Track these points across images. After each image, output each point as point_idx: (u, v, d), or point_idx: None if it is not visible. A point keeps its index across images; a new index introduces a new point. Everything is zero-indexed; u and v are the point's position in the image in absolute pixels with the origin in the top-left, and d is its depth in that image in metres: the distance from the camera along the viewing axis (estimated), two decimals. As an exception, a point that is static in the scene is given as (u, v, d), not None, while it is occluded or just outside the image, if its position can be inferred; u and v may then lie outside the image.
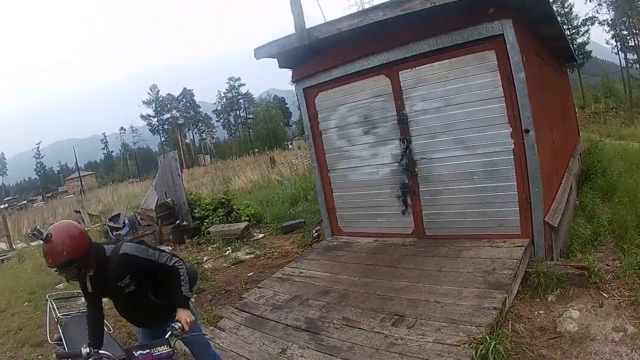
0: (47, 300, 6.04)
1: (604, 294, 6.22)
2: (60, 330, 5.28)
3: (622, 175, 11.64)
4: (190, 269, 4.78)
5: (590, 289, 6.39)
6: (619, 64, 70.71)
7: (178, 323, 3.84)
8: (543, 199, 7.31)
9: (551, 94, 11.22)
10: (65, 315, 5.57)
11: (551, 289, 6.48)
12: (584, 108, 47.59)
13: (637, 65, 68.38)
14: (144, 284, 4.12)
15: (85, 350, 3.54)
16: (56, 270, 3.74)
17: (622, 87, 64.99)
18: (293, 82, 10.26)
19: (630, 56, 68.79)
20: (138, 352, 3.52)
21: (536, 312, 6.14)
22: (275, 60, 9.98)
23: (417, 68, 8.19)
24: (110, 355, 3.63)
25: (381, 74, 8.66)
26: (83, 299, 5.79)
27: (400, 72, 8.39)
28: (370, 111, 8.98)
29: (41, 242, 3.70)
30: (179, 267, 4.11)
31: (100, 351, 3.59)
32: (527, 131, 7.17)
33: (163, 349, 3.63)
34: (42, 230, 3.72)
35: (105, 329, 5.30)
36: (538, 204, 7.29)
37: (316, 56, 9.25)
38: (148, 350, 3.55)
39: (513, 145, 7.38)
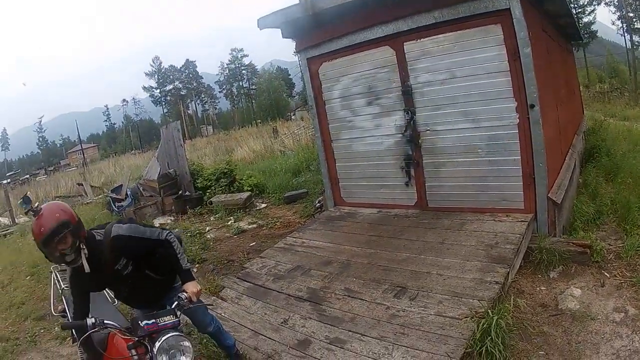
0: (51, 272, 6.02)
1: (606, 274, 6.22)
2: (64, 302, 5.26)
3: (625, 156, 11.55)
4: (176, 235, 4.70)
5: (592, 268, 6.39)
6: (624, 45, 70.39)
7: (185, 293, 3.87)
8: (547, 174, 7.28)
9: (557, 70, 11.12)
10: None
11: (553, 266, 6.49)
12: (588, 87, 47.24)
13: (643, 48, 68.08)
14: (141, 263, 4.07)
15: (90, 320, 3.51)
16: (50, 243, 3.48)
17: (626, 69, 64.63)
18: (297, 52, 10.18)
19: (635, 38, 68.47)
20: (144, 322, 3.49)
21: (538, 288, 6.16)
22: (279, 31, 9.89)
23: (422, 40, 8.09)
24: (116, 325, 3.62)
25: (386, 45, 8.56)
26: None
27: (405, 44, 8.29)
28: (374, 82, 8.90)
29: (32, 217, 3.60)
30: (171, 240, 4.08)
31: (105, 321, 3.56)
32: (532, 106, 7.11)
33: (169, 319, 3.61)
34: (29, 197, 3.71)
35: (110, 300, 5.31)
36: (542, 179, 7.26)
37: (320, 26, 9.13)
38: (154, 320, 3.53)
39: (518, 120, 7.32)
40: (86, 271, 3.62)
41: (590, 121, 17.92)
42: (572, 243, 6.74)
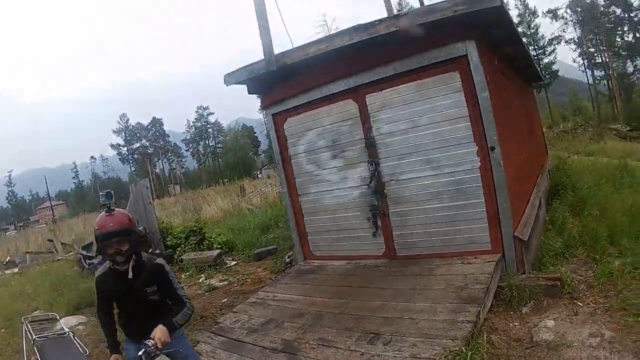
0: (22, 323, 6.01)
1: (579, 303, 6.37)
2: (37, 353, 5.26)
3: (591, 189, 11.87)
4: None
5: (564, 299, 6.53)
6: (587, 81, 72.19)
7: (151, 340, 3.79)
8: (512, 213, 7.46)
9: (517, 112, 11.45)
10: (42, 337, 5.53)
11: (525, 302, 6.61)
12: (552, 127, 48.22)
13: (605, 82, 69.81)
14: (164, 300, 4.24)
15: None
16: (110, 239, 3.90)
17: (590, 105, 66.23)
18: (262, 108, 10.41)
19: (597, 73, 70.35)
20: None
21: (511, 324, 6.25)
22: (244, 88, 10.08)
23: (383, 91, 8.37)
24: None
25: (348, 98, 8.81)
26: (58, 322, 5.83)
27: (367, 96, 8.56)
28: (339, 135, 9.11)
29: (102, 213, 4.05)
30: (189, 307, 4.21)
31: None
32: (492, 148, 7.34)
33: None
34: (112, 193, 3.97)
35: (81, 349, 5.31)
36: (507, 218, 7.43)
37: (285, 82, 9.38)
38: None
39: (480, 163, 7.55)
40: (129, 277, 3.96)
41: (555, 160, 18.30)
42: (542, 277, 6.93)
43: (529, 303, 6.60)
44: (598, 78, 71.16)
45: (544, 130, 22.46)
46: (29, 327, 5.73)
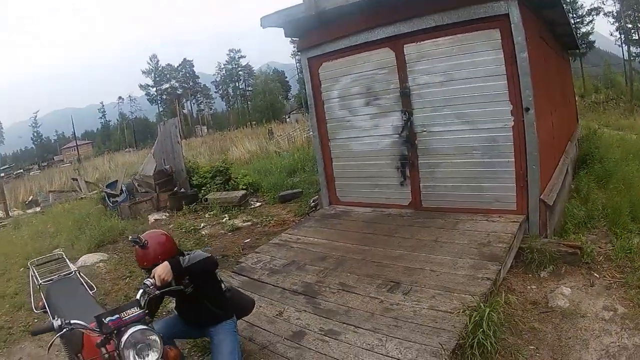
0: (28, 267, 6.04)
1: (596, 274, 6.34)
2: (43, 297, 5.28)
3: (618, 163, 11.68)
4: (244, 300, 5.23)
5: (582, 269, 6.51)
6: (622, 56, 70.48)
7: (150, 279, 3.79)
8: (540, 177, 7.38)
9: (552, 77, 11.24)
10: (47, 280, 5.52)
11: (544, 266, 6.61)
12: (584, 97, 47.37)
13: (640, 59, 68.28)
14: (201, 288, 4.30)
15: (57, 322, 3.43)
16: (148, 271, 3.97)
17: (623, 80, 64.74)
18: (298, 51, 10.28)
19: (633, 49, 68.63)
20: (107, 319, 3.37)
21: (528, 287, 6.26)
22: (277, 34, 9.96)
23: (421, 43, 8.19)
24: (83, 324, 3.51)
25: (386, 46, 8.65)
26: (63, 262, 5.87)
27: (405, 46, 8.39)
28: (373, 83, 8.99)
29: (136, 247, 4.07)
30: (208, 257, 4.32)
31: (72, 321, 3.45)
32: (527, 109, 7.22)
33: (133, 312, 3.47)
34: (140, 238, 3.95)
35: (88, 288, 5.33)
36: (534, 181, 7.36)
37: (322, 27, 9.22)
38: (117, 316, 3.40)
39: (513, 123, 7.43)
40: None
41: (584, 130, 18.06)
42: (563, 244, 6.86)
43: (548, 268, 6.60)
44: (634, 55, 69.43)
45: (576, 98, 22.05)
46: (35, 271, 5.74)
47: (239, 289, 5.59)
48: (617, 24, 69.02)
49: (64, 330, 3.42)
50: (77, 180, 24.60)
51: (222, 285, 4.71)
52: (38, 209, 21.22)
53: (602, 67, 68.53)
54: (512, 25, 7.12)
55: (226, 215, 12.68)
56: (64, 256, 6.24)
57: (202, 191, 14.96)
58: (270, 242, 8.59)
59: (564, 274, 6.45)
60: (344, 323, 5.32)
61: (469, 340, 4.55)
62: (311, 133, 10.80)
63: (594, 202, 8.86)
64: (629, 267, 6.37)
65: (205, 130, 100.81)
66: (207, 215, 13.05)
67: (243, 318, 5.19)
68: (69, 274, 5.64)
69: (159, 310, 6.03)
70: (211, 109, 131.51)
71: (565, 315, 5.45)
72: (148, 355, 3.36)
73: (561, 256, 6.66)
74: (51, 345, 3.66)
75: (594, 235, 7.71)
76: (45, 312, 5.00)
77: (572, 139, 13.57)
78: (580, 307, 5.61)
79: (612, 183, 10.01)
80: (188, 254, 4.21)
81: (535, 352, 4.87)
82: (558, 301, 5.76)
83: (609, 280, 6.14)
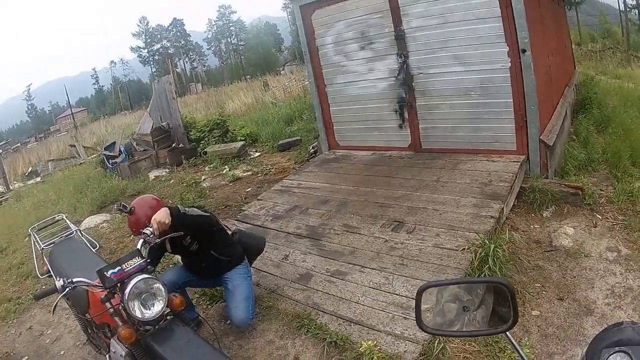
0: (29, 234, 6.02)
1: (598, 216, 6.39)
2: (46, 262, 5.26)
3: (616, 109, 11.68)
4: (254, 238, 5.24)
5: (584, 210, 6.56)
6: (617, 6, 69.94)
7: (149, 228, 3.76)
8: (539, 118, 7.39)
9: (548, 22, 11.13)
10: (49, 244, 5.49)
11: (546, 206, 6.67)
12: (580, 45, 47.04)
13: (636, 11, 67.70)
14: (205, 243, 4.40)
15: (59, 283, 3.41)
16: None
17: (619, 30, 64.35)
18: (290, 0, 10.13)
19: (629, 0, 68.07)
20: (109, 272, 3.31)
21: (532, 226, 6.32)
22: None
23: (414, -15, 8.08)
24: (86, 280, 3.51)
25: (378, -9, 8.53)
26: (64, 224, 5.85)
27: (397, -11, 8.28)
28: (367, 27, 8.89)
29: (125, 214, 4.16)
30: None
31: (74, 279, 3.44)
32: (523, 51, 7.18)
33: (135, 262, 3.42)
34: (126, 205, 3.93)
35: (91, 246, 5.31)
36: (534, 122, 7.38)
37: (313, -27, 9.07)
38: (119, 267, 3.35)
39: (510, 64, 7.39)
40: (168, 251, 4.29)
41: (581, 76, 17.94)
42: (565, 184, 6.92)
43: (550, 208, 6.66)
44: (630, 6, 68.96)
45: (572, 46, 21.88)
46: (36, 236, 5.70)
47: (244, 230, 5.60)
48: (612, -26, 68.36)
49: (67, 289, 3.40)
50: (75, 146, 24.55)
51: (228, 231, 4.73)
52: (38, 179, 21.17)
53: (597, 17, 68.12)
54: (506, -33, 7.03)
55: (226, 166, 12.64)
56: (64, 217, 6.20)
57: (201, 145, 14.89)
58: (272, 188, 8.64)
59: (566, 214, 6.50)
60: (350, 263, 5.39)
61: (475, 276, 4.57)
62: (307, 82, 10.70)
63: (594, 145, 8.89)
64: (630, 210, 6.41)
65: (200, 87, 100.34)
66: (207, 168, 13.02)
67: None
68: (71, 234, 5.60)
69: (164, 263, 6.07)
70: (204, 66, 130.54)
71: (569, 255, 5.51)
72: (153, 304, 3.33)
73: (563, 196, 6.71)
74: (55, 306, 3.64)
75: (594, 178, 7.74)
76: (50, 276, 4.96)
77: (570, 83, 13.49)
78: (584, 247, 5.67)
79: (611, 128, 10.01)
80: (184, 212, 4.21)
81: (542, 290, 4.94)
82: (562, 240, 5.81)
83: (612, 222, 6.19)
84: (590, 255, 5.46)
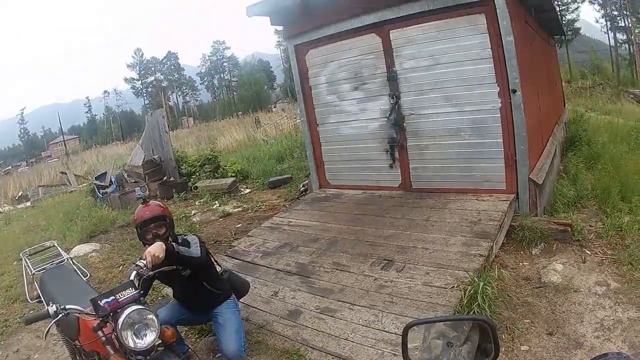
0: (20, 258, 6.04)
1: (587, 251, 6.43)
2: (37, 287, 5.27)
3: (606, 145, 11.83)
4: (240, 281, 5.28)
5: (574, 246, 6.61)
6: (608, 43, 70.92)
7: (142, 260, 3.76)
8: (528, 157, 7.49)
9: (538, 61, 11.33)
10: (40, 270, 5.50)
11: (535, 243, 6.72)
12: (570, 82, 47.54)
13: (626, 45, 68.59)
14: (198, 273, 4.42)
15: (52, 308, 3.44)
16: (149, 224, 4.26)
17: (609, 66, 65.13)
18: (285, 39, 10.32)
19: (619, 36, 69.01)
20: (103, 301, 3.35)
21: (521, 264, 6.37)
22: (261, 23, 10.01)
23: (407, 28, 8.26)
24: (78, 308, 3.54)
25: (372, 32, 8.71)
26: (55, 251, 5.90)
27: (391, 31, 8.45)
28: (360, 68, 9.05)
29: (140, 204, 4.43)
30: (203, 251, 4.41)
31: (67, 306, 3.49)
32: (514, 91, 7.31)
33: (129, 292, 3.46)
34: (143, 191, 4.15)
35: (81, 274, 5.34)
36: (523, 161, 7.47)
37: (308, 14, 9.23)
38: (113, 297, 3.38)
39: (500, 104, 7.52)
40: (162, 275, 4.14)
41: (571, 114, 18.17)
42: (553, 222, 6.97)
43: (539, 245, 6.72)
44: (620, 41, 69.86)
45: (562, 84, 22.19)
46: (27, 261, 5.72)
47: (233, 271, 5.65)
48: (602, 11, 69.34)
49: (60, 315, 3.43)
50: (66, 173, 24.56)
51: (218, 269, 4.79)
52: (28, 203, 21.12)
53: (588, 53, 68.92)
54: (497, 9, 7.19)
55: (216, 202, 12.69)
56: (56, 245, 6.23)
57: (192, 179, 14.97)
58: (262, 225, 8.65)
59: (555, 251, 6.55)
60: (340, 301, 5.41)
61: (465, 314, 4.62)
62: (299, 120, 10.82)
63: (583, 182, 8.97)
64: (620, 244, 6.46)
65: (192, 122, 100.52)
66: (197, 203, 13.05)
67: (240, 300, 5.24)
68: (62, 261, 5.63)
69: (154, 295, 6.08)
70: (197, 100, 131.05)
71: (558, 290, 5.55)
72: (146, 335, 3.36)
73: (552, 234, 6.76)
74: (48, 331, 3.67)
75: (584, 214, 7.80)
76: (40, 301, 4.98)
77: (560, 122, 13.70)
78: (573, 282, 5.70)
79: (600, 164, 10.09)
80: (184, 237, 4.28)
81: (531, 325, 4.96)
82: (551, 277, 5.85)
83: (601, 257, 6.23)
84: (579, 290, 5.50)
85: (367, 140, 9.28)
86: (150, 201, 4.40)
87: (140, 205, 4.35)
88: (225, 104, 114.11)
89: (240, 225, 10.16)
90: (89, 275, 5.64)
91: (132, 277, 3.68)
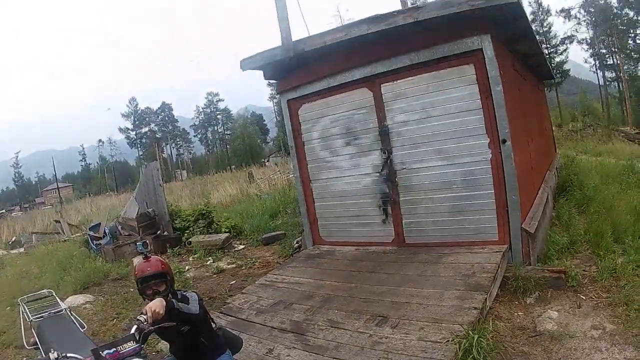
0: (18, 304, 6.06)
1: (582, 296, 6.48)
2: (34, 334, 5.30)
3: (598, 188, 11.98)
4: (233, 337, 5.17)
5: (568, 292, 6.65)
6: (597, 82, 71.89)
7: (143, 315, 3.71)
8: (520, 206, 7.58)
9: (528, 108, 11.53)
10: (38, 317, 5.51)
11: (529, 292, 6.74)
12: (561, 126, 48.16)
13: (616, 84, 69.49)
14: (198, 329, 4.39)
15: (53, 355, 3.51)
16: (149, 281, 4.20)
17: (599, 106, 65.96)
18: (277, 93, 10.51)
19: (608, 74, 69.96)
20: (105, 352, 3.43)
21: (515, 314, 6.37)
22: (255, 77, 10.20)
23: (398, 81, 8.46)
24: (78, 357, 3.60)
25: (364, 87, 8.90)
26: (53, 300, 5.91)
27: (382, 85, 8.65)
28: (353, 123, 9.21)
29: (139, 259, 4.39)
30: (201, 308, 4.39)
31: (68, 354, 3.57)
32: (504, 141, 7.45)
33: (130, 345, 3.56)
34: (147, 243, 4.15)
35: (78, 325, 5.36)
36: (515, 211, 7.55)
37: (301, 68, 9.47)
38: (115, 349, 3.48)
39: (491, 155, 7.66)
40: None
41: (562, 158, 18.37)
42: (547, 270, 7.04)
43: (534, 294, 6.73)
44: (609, 79, 70.84)
45: (553, 128, 22.48)
46: (25, 308, 5.75)
47: (226, 328, 5.66)
48: (591, 50, 70.38)
49: None
50: (59, 222, 24.53)
51: (213, 325, 4.81)
52: (22, 249, 21.11)
53: (578, 94, 69.69)
54: (486, 59, 7.42)
55: (210, 258, 12.67)
56: (54, 294, 6.26)
57: (186, 234, 14.99)
58: (256, 282, 8.65)
59: (550, 298, 6.59)
60: (335, 358, 5.39)
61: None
62: (292, 175, 10.91)
63: (576, 227, 9.11)
64: (614, 286, 6.54)
65: (185, 174, 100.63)
66: (191, 259, 13.04)
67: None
68: (60, 311, 5.66)
69: (149, 349, 6.08)
70: (190, 152, 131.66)
71: (554, 337, 5.56)
72: None
73: (546, 282, 6.82)
74: None
75: (577, 259, 7.88)
76: (37, 348, 5.00)
77: (551, 168, 13.85)
78: (569, 328, 5.73)
79: (592, 207, 10.24)
80: (183, 293, 4.32)
81: (527, 375, 4.98)
82: (546, 325, 5.88)
83: (596, 301, 6.30)
84: (575, 336, 5.51)
85: (360, 196, 9.36)
86: (152, 256, 4.33)
87: (142, 259, 4.30)
88: (219, 157, 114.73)
89: (234, 281, 10.17)
90: (86, 327, 5.65)
91: (132, 331, 3.71)
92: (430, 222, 8.52)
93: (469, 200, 8.00)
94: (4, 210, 68.32)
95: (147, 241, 4.26)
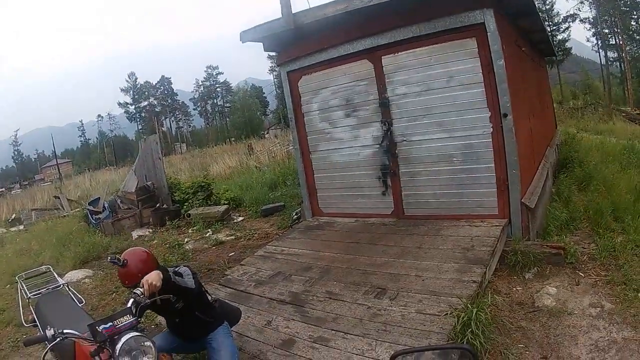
0: (16, 282, 6.04)
1: (581, 273, 6.47)
2: (32, 311, 5.28)
3: (598, 166, 11.90)
4: (232, 309, 5.29)
5: (567, 269, 6.64)
6: (599, 61, 71.30)
7: (140, 289, 3.76)
8: (520, 181, 7.52)
9: (530, 84, 11.43)
10: (36, 294, 5.51)
11: (528, 267, 6.72)
12: (562, 103, 47.90)
13: (618, 64, 68.99)
14: (192, 304, 4.41)
15: (49, 332, 3.51)
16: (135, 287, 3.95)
17: (601, 85, 65.50)
18: (277, 65, 10.39)
19: (610, 54, 69.35)
20: (101, 327, 3.40)
21: (514, 289, 6.36)
22: (254, 49, 10.05)
23: (399, 54, 8.34)
24: (75, 333, 3.59)
25: (364, 58, 8.79)
26: (51, 276, 5.88)
27: (382, 57, 8.54)
28: (353, 94, 9.12)
29: (118, 267, 4.10)
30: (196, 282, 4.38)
31: (65, 330, 3.55)
32: (505, 115, 7.37)
33: (126, 319, 3.54)
34: (119, 258, 3.96)
35: (77, 301, 5.33)
36: (515, 185, 7.50)
37: (301, 40, 9.36)
38: (111, 323, 3.45)
39: (491, 129, 7.58)
40: (158, 303, 3.98)
41: (563, 135, 18.29)
42: (546, 245, 7.01)
43: (532, 269, 6.73)
44: (611, 59, 70.15)
45: (554, 105, 22.35)
46: (23, 285, 5.73)
47: (225, 300, 5.64)
48: (593, 30, 69.75)
49: (57, 339, 3.47)
50: (59, 198, 24.56)
51: (209, 297, 4.77)
52: (21, 227, 21.17)
53: (579, 73, 69.27)
54: (488, 33, 7.28)
55: (209, 230, 12.68)
56: (52, 270, 6.24)
57: (185, 207, 14.97)
58: (255, 254, 8.64)
59: (548, 274, 6.57)
60: (333, 330, 5.38)
61: (458, 341, 4.62)
62: (292, 147, 10.84)
63: (576, 204, 9.07)
64: (613, 265, 6.52)
65: (185, 147, 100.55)
66: (190, 231, 13.05)
67: (232, 328, 5.22)
68: (58, 287, 5.65)
69: (148, 323, 6.06)
70: (190, 126, 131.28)
71: (552, 314, 5.56)
72: None
73: (545, 257, 6.80)
74: (45, 355, 3.69)
75: (577, 236, 7.87)
76: (35, 325, 5.02)
77: (552, 144, 13.77)
78: (567, 305, 5.73)
79: (592, 185, 10.17)
80: (175, 269, 4.27)
81: (525, 350, 4.97)
82: (544, 300, 5.88)
83: (594, 279, 6.28)
84: (573, 313, 5.52)
85: (360, 168, 9.31)
86: (130, 262, 4.09)
87: (119, 267, 4.09)
88: (218, 130, 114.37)
89: (233, 253, 10.16)
90: (84, 302, 5.63)
91: (129, 305, 3.69)
92: (430, 195, 8.49)
93: (469, 174, 7.95)
94: (3, 189, 68.53)
95: (117, 256, 4.09)
